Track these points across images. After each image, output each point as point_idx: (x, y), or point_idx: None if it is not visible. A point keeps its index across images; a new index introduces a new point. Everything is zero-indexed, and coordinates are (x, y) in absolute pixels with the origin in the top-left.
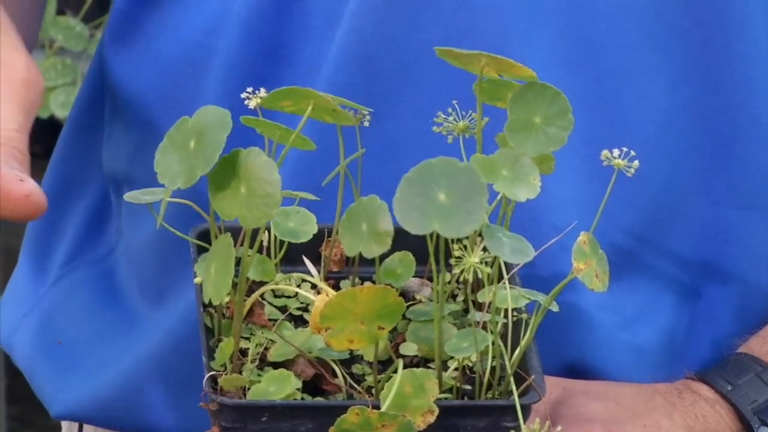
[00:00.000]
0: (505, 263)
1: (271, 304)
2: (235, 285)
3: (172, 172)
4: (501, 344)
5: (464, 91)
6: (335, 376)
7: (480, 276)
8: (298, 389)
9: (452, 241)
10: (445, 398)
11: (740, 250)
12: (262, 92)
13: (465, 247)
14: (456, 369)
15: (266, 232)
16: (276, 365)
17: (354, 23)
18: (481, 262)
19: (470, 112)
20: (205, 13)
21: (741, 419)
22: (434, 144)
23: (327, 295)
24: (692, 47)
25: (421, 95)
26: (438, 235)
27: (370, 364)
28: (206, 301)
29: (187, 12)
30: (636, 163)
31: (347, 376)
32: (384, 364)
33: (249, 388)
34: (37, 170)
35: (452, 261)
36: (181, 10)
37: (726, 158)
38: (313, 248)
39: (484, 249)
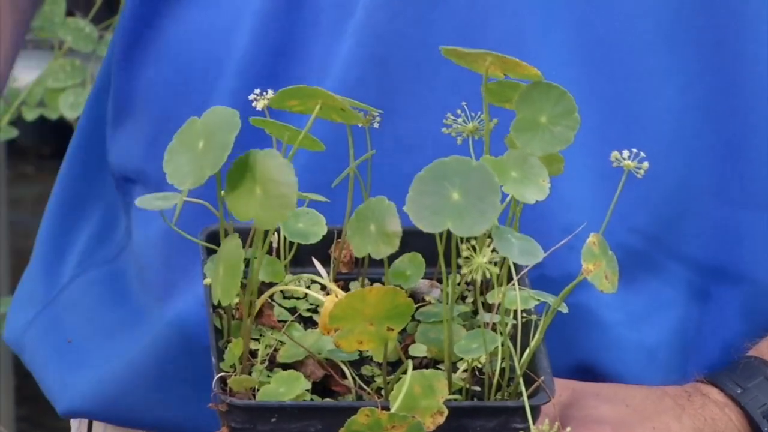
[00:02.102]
0: (515, 264)
1: (280, 305)
2: (243, 286)
3: (181, 172)
4: (510, 345)
5: (476, 88)
6: (345, 377)
7: (489, 277)
8: (307, 390)
9: (461, 241)
10: (455, 399)
11: (751, 250)
12: (270, 93)
13: (474, 247)
14: (465, 370)
15: (276, 233)
16: (285, 366)
17: (365, 20)
18: (489, 263)
19: (479, 113)
20: (222, 9)
21: (750, 422)
22: (446, 141)
23: (336, 295)
24: (706, 48)
25: (433, 92)
26: (448, 236)
27: (379, 365)
28: (215, 302)
29: (204, 8)
30: (646, 164)
31: (356, 378)
32: (393, 366)
33: (258, 389)
34: (47, 171)
35: (461, 261)
36: (198, 6)
37: (738, 159)
38: (322, 250)
39: (493, 250)
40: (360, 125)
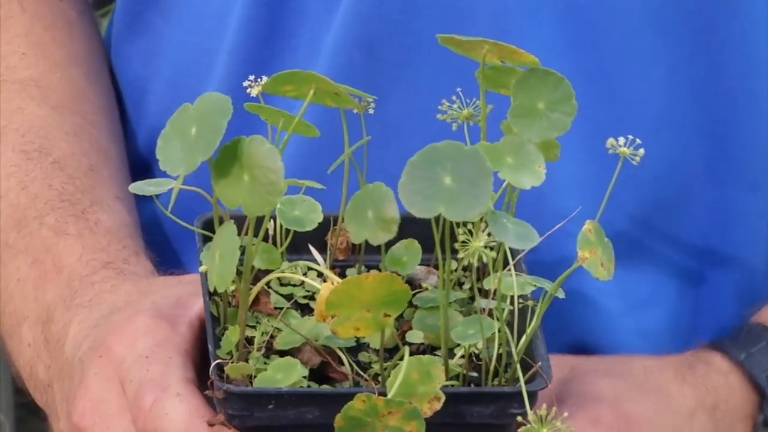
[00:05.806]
0: (511, 250)
1: (277, 292)
2: (240, 273)
3: (173, 158)
4: (507, 331)
5: (466, 72)
6: (342, 363)
7: (486, 261)
8: (304, 377)
9: (457, 227)
10: (452, 385)
11: (743, 232)
12: (264, 80)
13: (470, 231)
14: (462, 356)
15: (272, 220)
16: (282, 353)
17: (352, 5)
18: (485, 247)
19: (474, 99)
20: (210, 1)
21: (754, 390)
22: (436, 126)
23: (333, 282)
24: (694, 29)
25: (422, 77)
26: (444, 222)
27: (376, 351)
28: (211, 290)
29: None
30: (641, 151)
31: (354, 364)
32: (390, 352)
33: (255, 376)
34: None
35: (457, 245)
36: None
37: (729, 140)
38: (318, 236)
39: (489, 234)
40: (355, 111)
